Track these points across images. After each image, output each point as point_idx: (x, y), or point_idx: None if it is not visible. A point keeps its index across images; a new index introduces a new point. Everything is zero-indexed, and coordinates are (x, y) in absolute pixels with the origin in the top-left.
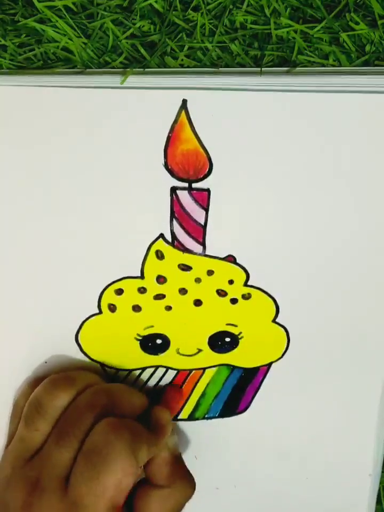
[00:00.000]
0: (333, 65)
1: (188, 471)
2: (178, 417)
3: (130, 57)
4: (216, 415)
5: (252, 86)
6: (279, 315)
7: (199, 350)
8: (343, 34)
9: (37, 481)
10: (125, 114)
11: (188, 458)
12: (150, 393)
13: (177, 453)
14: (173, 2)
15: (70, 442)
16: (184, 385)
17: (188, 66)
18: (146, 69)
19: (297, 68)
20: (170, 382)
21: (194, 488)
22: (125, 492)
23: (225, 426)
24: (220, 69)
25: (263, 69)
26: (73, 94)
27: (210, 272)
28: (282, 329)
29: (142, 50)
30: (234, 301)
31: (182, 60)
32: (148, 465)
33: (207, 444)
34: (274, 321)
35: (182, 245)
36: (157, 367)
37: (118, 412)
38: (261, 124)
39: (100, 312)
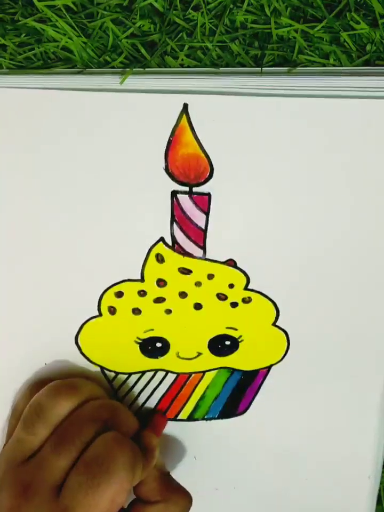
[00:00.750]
0: (334, 65)
1: (181, 485)
2: (178, 418)
3: (131, 56)
4: (216, 416)
5: (253, 87)
6: (279, 318)
7: (199, 354)
8: (343, 34)
9: (29, 485)
10: (125, 118)
11: (187, 459)
12: (148, 397)
13: (166, 471)
14: (173, 2)
15: (69, 451)
16: (183, 388)
17: (188, 66)
18: (146, 69)
19: (298, 68)
20: (170, 386)
21: (190, 501)
22: (116, 508)
23: (225, 428)
24: (220, 69)
25: (263, 68)
26: (74, 97)
27: (210, 276)
28: (282, 333)
29: (142, 50)
30: (234, 304)
31: (182, 59)
32: (139, 485)
33: (207, 445)
34: (274, 324)
35: (182, 249)
36: (156, 370)
37: (117, 429)
38: (262, 128)
39: (100, 314)
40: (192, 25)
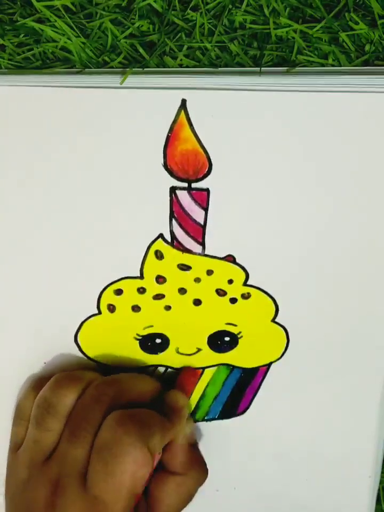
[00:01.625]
0: (333, 65)
1: (202, 458)
2: None
3: (129, 57)
4: (216, 417)
5: (251, 85)
6: (279, 315)
7: (199, 349)
8: (342, 34)
9: (57, 480)
10: (124, 114)
11: None
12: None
13: (194, 440)
14: (172, 2)
15: (83, 438)
16: None
17: (187, 66)
18: (145, 69)
19: (297, 68)
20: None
21: (207, 475)
22: (142, 481)
23: (225, 428)
24: (219, 69)
25: (262, 68)
26: (72, 94)
27: (209, 272)
28: (282, 329)
29: (141, 50)
30: (233, 300)
31: (181, 59)
32: (165, 451)
33: (207, 446)
34: (273, 320)
35: (182, 245)
36: (156, 366)
37: (126, 399)
38: (260, 123)
39: (99, 312)
40: (191, 25)
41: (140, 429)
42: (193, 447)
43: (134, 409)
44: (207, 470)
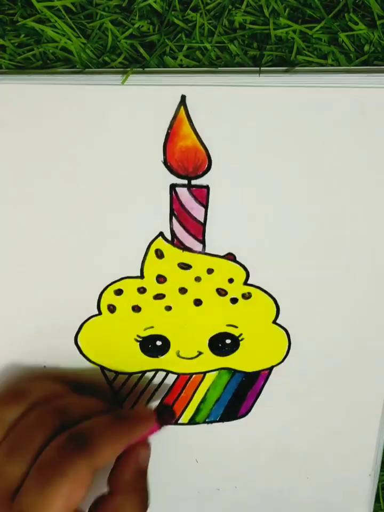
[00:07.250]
0: (332, 65)
1: (147, 489)
2: (179, 422)
3: (130, 57)
4: (217, 420)
5: (251, 83)
6: (280, 316)
7: (200, 353)
8: (342, 35)
9: None
10: (124, 111)
11: (189, 462)
12: (149, 400)
13: (144, 468)
14: (172, 3)
15: (22, 457)
16: (184, 390)
17: (187, 66)
18: (145, 69)
19: (296, 68)
20: (171, 387)
21: (146, 508)
22: (75, 503)
23: (226, 430)
24: (219, 68)
25: (262, 68)
26: (73, 92)
27: (210, 271)
28: (283, 331)
29: (141, 50)
30: (234, 300)
31: (181, 60)
32: (111, 472)
33: (208, 447)
34: (274, 322)
35: (182, 243)
36: (157, 370)
37: (72, 420)
38: (260, 119)
39: (100, 313)
40: (191, 25)
41: (85, 450)
42: (141, 473)
43: (82, 426)
44: (148, 503)
